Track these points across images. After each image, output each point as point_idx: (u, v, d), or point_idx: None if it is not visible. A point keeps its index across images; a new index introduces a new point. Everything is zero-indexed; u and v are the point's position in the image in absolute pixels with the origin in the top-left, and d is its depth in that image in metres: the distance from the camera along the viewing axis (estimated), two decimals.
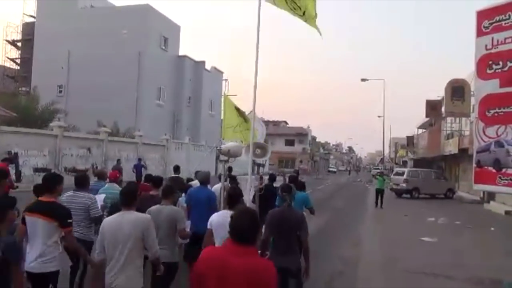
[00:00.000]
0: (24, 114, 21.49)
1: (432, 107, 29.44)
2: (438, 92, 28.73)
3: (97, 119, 26.35)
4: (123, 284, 3.57)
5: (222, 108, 8.04)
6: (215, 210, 5.23)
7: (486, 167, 8.73)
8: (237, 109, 7.46)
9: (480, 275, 7.61)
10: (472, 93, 20.52)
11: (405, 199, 23.81)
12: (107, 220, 3.79)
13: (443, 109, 28.65)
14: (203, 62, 39.61)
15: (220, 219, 4.16)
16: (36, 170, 17.91)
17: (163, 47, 34.88)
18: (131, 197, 3.79)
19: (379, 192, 19.09)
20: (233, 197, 4.47)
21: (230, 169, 8.95)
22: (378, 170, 37.35)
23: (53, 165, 18.71)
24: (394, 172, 28.89)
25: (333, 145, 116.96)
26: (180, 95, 37.01)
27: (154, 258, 3.82)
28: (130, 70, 31.32)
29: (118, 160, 19.46)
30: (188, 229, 5.17)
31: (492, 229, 13.42)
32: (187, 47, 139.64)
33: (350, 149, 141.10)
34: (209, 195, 6.00)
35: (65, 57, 32.58)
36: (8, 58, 37.95)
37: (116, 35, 31.41)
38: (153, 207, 4.56)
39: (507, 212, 17.60)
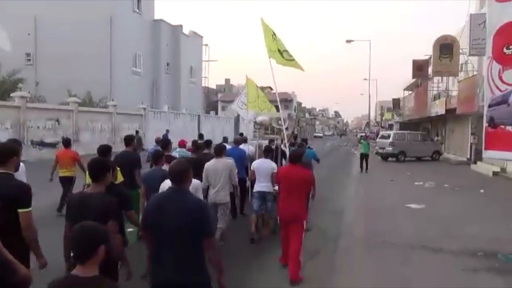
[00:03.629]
0: None
1: (419, 67, 28.56)
2: (426, 52, 27.69)
3: (69, 89, 24.81)
4: (221, 198, 6.14)
5: (245, 86, 10.53)
6: (245, 162, 8.07)
7: (503, 127, 6.65)
8: (257, 87, 10.65)
9: (472, 246, 6.88)
10: (461, 50, 19.59)
11: (391, 163, 23.26)
12: (208, 164, 6.20)
13: (430, 69, 27.81)
14: (180, 26, 37.74)
15: (260, 163, 6.89)
16: None
17: (137, 10, 32.86)
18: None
19: (364, 157, 18.40)
20: (268, 151, 7.25)
21: (241, 134, 13.86)
22: (362, 134, 36.70)
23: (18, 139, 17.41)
24: (379, 136, 28.20)
25: (319, 110, 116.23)
26: (157, 61, 35.35)
27: (235, 183, 6.50)
28: (102, 36, 29.44)
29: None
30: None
31: (482, 191, 12.80)
32: (163, 10, 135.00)
33: (337, 113, 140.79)
34: (240, 152, 8.34)
35: (32, 22, 30.44)
36: None
37: None
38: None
39: (495, 173, 17.08)
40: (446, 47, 19.48)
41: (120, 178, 5.38)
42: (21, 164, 4.19)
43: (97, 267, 2.15)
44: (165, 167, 5.30)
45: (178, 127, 30.10)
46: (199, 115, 36.76)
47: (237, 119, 45.16)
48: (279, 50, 8.64)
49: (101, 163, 3.48)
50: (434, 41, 20.12)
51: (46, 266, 3.29)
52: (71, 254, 2.41)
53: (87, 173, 4.63)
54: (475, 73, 19.87)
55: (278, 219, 5.63)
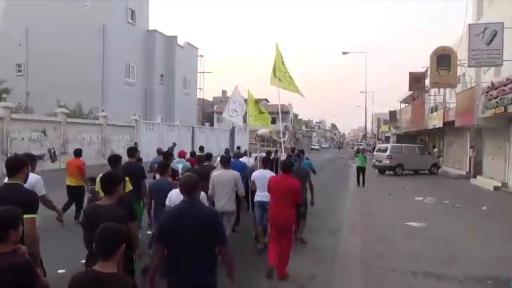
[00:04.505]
0: None
1: (416, 79, 28.27)
2: (423, 64, 27.38)
3: (59, 99, 24.16)
4: (228, 207, 6.25)
5: (247, 100, 10.47)
6: (245, 174, 7.90)
7: None
8: (256, 101, 10.37)
9: (478, 271, 6.26)
10: (458, 61, 19.19)
11: (389, 176, 22.66)
12: (215, 175, 6.46)
13: (426, 81, 27.44)
14: (175, 37, 37.35)
15: (259, 173, 7.08)
16: None
17: (130, 21, 32.47)
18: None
19: (361, 170, 17.82)
20: (266, 161, 7.50)
21: (238, 147, 15.31)
22: (361, 147, 36.14)
23: (0, 151, 16.74)
24: (376, 149, 27.65)
25: (316, 122, 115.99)
26: (151, 72, 34.85)
27: (241, 194, 6.63)
28: (94, 46, 28.96)
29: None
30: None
31: (484, 208, 12.19)
32: (157, 21, 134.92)
33: (333, 126, 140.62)
34: (242, 165, 8.37)
35: (23, 33, 29.95)
36: None
37: (78, 8, 28.92)
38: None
39: (496, 188, 16.49)
40: (443, 58, 19.05)
41: (129, 187, 5.61)
42: (36, 176, 4.82)
43: (117, 264, 2.40)
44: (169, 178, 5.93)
45: (172, 139, 29.42)
46: (193, 127, 36.16)
47: (232, 131, 44.63)
48: (285, 73, 9.60)
49: (113, 177, 3.69)
50: (431, 53, 19.70)
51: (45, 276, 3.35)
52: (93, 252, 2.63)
53: (97, 180, 5.50)
54: (473, 84, 19.48)
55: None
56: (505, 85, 13.72)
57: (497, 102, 14.17)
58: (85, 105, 26.63)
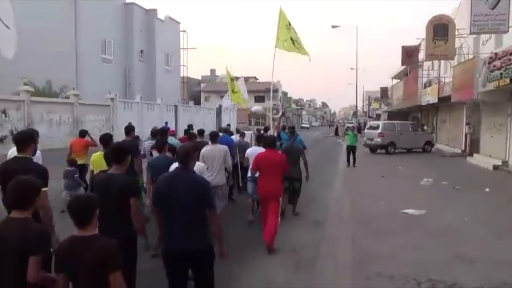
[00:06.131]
0: None
1: (409, 53, 26.91)
2: (417, 36, 25.85)
3: (25, 77, 22.21)
4: (217, 181, 6.48)
5: (227, 77, 11.79)
6: (233, 150, 8.46)
7: None
8: (232, 79, 12.48)
9: (497, 276, 5.00)
10: (457, 31, 17.72)
11: (381, 155, 21.44)
12: (205, 150, 6.68)
13: (420, 55, 26.01)
14: (154, 11, 35.09)
15: (253, 150, 7.37)
16: None
17: None
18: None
19: (351, 149, 16.52)
20: (260, 138, 8.06)
21: (228, 125, 14.77)
22: (352, 125, 34.77)
23: None
24: (367, 126, 26.32)
25: (306, 101, 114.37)
26: (130, 48, 32.80)
27: (229, 167, 7.18)
28: (65, 19, 26.80)
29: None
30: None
31: (487, 190, 10.96)
32: None
33: (324, 104, 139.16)
34: (228, 140, 8.75)
35: None
36: None
37: None
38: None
39: (495, 167, 15.30)
40: (441, 28, 17.53)
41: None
42: (38, 151, 5.15)
43: (96, 228, 2.59)
44: (168, 154, 5.96)
45: (152, 119, 27.79)
46: (176, 106, 34.41)
47: (219, 110, 42.95)
48: (291, 38, 9.31)
49: (123, 148, 3.89)
50: (427, 22, 18.16)
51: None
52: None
53: (91, 160, 5.88)
54: (470, 57, 18.07)
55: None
56: (511, 54, 12.31)
57: (501, 74, 12.78)
58: (57, 84, 24.77)
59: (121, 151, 3.79)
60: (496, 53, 13.64)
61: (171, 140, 8.52)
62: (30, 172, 3.03)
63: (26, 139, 3.76)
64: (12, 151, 5.30)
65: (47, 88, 23.44)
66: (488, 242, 6.47)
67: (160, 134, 7.86)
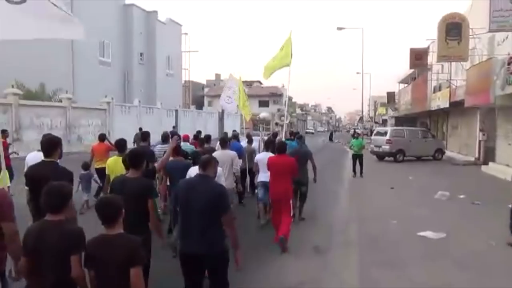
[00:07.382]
0: None
1: (417, 56, 25.71)
2: (425, 38, 24.69)
3: (18, 80, 21.33)
4: (227, 184, 5.96)
5: (239, 88, 12.72)
6: (243, 155, 9.08)
7: None
8: (243, 90, 13.45)
9: None
10: (470, 30, 16.56)
11: (389, 163, 20.26)
12: (215, 154, 5.56)
13: (429, 58, 24.86)
14: (155, 12, 34.21)
15: (262, 156, 7.69)
16: None
17: None
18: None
19: (357, 158, 15.36)
20: (269, 144, 8.06)
21: (235, 131, 14.66)
22: (357, 130, 33.54)
23: None
24: (374, 132, 25.10)
25: (311, 106, 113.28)
26: (129, 51, 31.90)
27: (237, 172, 7.27)
28: None
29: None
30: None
31: (510, 206, 9.75)
32: None
33: (329, 109, 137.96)
34: (239, 147, 9.32)
35: None
36: None
37: None
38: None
39: None
40: (454, 27, 16.36)
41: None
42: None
43: (121, 226, 2.76)
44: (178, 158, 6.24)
45: (151, 123, 26.78)
46: (176, 110, 33.41)
47: (221, 114, 41.95)
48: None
49: (140, 154, 4.16)
50: (440, 20, 17.00)
51: None
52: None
53: (106, 164, 6.14)
54: (484, 58, 16.89)
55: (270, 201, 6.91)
56: None
57: None
58: (52, 87, 23.85)
59: (138, 157, 4.05)
60: None
61: (185, 145, 8.71)
62: (59, 176, 3.40)
63: (53, 144, 3.99)
64: (33, 156, 6.22)
65: (40, 91, 22.49)
66: None
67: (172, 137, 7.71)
